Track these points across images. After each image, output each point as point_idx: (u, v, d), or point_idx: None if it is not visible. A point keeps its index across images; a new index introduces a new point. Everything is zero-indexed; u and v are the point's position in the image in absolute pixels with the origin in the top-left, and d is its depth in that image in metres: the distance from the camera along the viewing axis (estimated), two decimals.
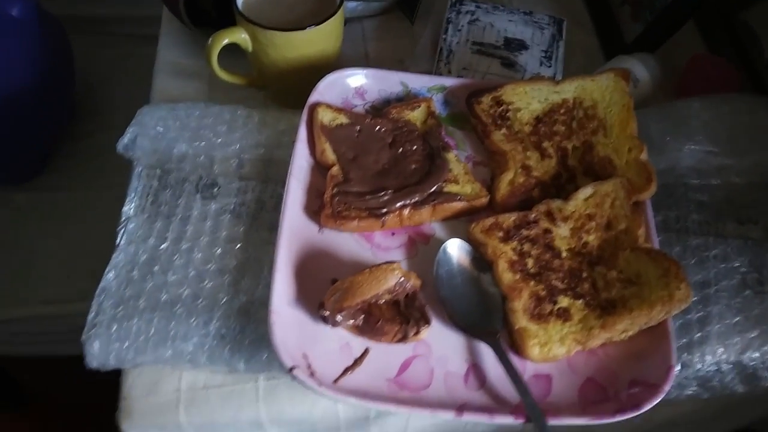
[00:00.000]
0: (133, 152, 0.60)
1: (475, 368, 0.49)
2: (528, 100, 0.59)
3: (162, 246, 0.54)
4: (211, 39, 0.60)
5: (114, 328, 0.51)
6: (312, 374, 0.45)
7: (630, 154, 0.55)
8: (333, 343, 0.49)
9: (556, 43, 0.73)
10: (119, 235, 0.56)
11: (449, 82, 0.62)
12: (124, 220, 0.56)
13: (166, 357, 0.50)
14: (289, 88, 0.67)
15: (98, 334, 0.51)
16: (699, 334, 0.51)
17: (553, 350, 0.48)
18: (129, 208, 0.57)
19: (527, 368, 0.49)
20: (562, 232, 0.53)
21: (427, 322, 0.48)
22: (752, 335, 0.50)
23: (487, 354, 0.49)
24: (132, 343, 0.50)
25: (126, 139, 0.60)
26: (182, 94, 0.70)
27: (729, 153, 0.59)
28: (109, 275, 0.53)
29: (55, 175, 1.03)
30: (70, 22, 1.11)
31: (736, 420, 0.66)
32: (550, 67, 0.71)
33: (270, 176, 0.59)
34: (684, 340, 0.51)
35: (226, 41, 0.61)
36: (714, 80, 0.69)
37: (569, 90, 0.59)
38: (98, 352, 0.50)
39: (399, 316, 0.48)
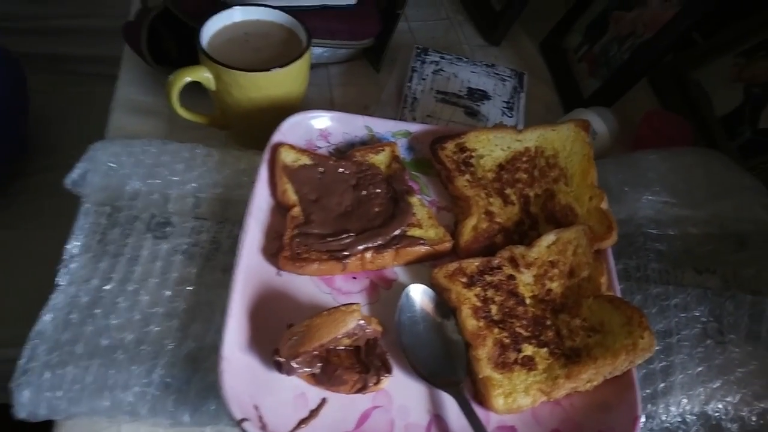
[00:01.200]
0: (81, 188, 0.57)
1: (438, 420, 0.47)
2: (491, 147, 0.60)
3: (106, 287, 0.51)
4: (172, 76, 0.59)
5: (47, 375, 0.47)
6: (263, 427, 0.42)
7: (591, 203, 0.56)
8: (287, 392, 0.46)
9: (517, 94, 0.74)
10: (60, 275, 0.52)
11: (413, 127, 0.62)
12: (67, 259, 0.53)
13: (104, 408, 0.46)
14: (251, 129, 0.66)
15: (29, 382, 0.46)
16: (663, 384, 0.50)
17: (518, 400, 0.46)
18: (73, 246, 0.53)
19: (491, 420, 0.47)
20: (525, 279, 0.52)
21: (388, 371, 0.46)
22: (715, 385, 0.50)
23: (450, 405, 0.47)
24: (66, 391, 0.46)
25: (75, 174, 0.57)
26: (139, 131, 0.68)
27: (685, 204, 0.61)
28: (46, 318, 0.49)
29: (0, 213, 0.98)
30: (29, 59, 1.09)
31: None
32: (511, 117, 0.72)
33: (227, 216, 0.57)
34: (648, 390, 0.50)
35: (188, 79, 0.60)
36: (668, 135, 0.72)
37: (531, 138, 0.60)
38: (28, 401, 0.46)
39: (358, 365, 0.46)
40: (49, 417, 0.46)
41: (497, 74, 0.76)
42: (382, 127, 0.62)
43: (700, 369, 0.51)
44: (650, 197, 0.61)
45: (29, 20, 1.22)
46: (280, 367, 0.45)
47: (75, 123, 1.13)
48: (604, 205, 0.55)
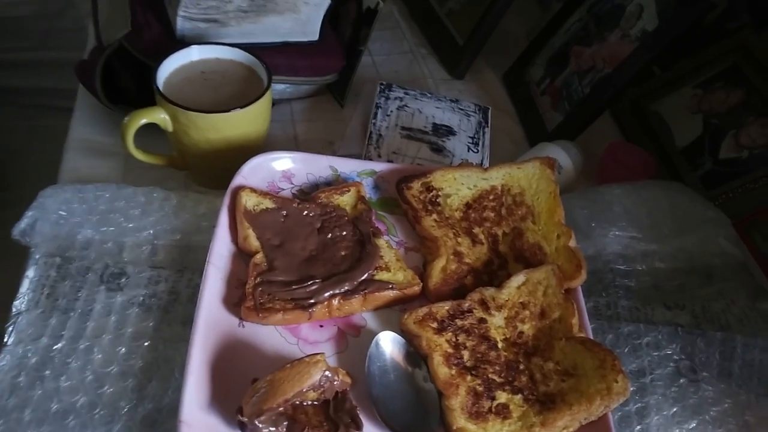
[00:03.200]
0: (31, 239, 0.54)
1: None
2: (457, 186, 0.59)
3: (56, 346, 0.48)
4: (127, 118, 0.57)
5: None
6: None
7: (559, 241, 0.55)
8: None
9: (482, 129, 0.74)
10: (7, 334, 0.49)
11: (379, 166, 0.61)
12: (14, 316, 0.50)
13: None
14: (212, 170, 0.64)
15: None
16: (639, 427, 0.49)
17: None
18: (21, 301, 0.50)
19: None
20: (496, 322, 0.51)
21: (359, 427, 0.44)
22: (691, 426, 0.49)
23: None
24: None
25: (23, 224, 0.54)
26: (94, 173, 0.66)
27: (652, 239, 0.61)
28: None
29: None
30: None
31: None
32: (477, 152, 0.72)
33: (186, 264, 0.54)
34: None
35: (143, 121, 0.57)
36: (631, 167, 0.72)
37: (497, 177, 0.60)
38: None
39: (327, 422, 0.44)
40: None
41: (462, 109, 0.76)
42: (347, 166, 0.61)
43: (675, 409, 0.50)
44: (617, 232, 0.61)
45: None
46: (243, 428, 0.42)
47: (32, 159, 1.09)
48: (573, 243, 0.55)
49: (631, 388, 0.51)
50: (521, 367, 0.49)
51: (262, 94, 0.59)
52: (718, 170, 0.72)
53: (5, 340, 0.48)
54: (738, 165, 0.70)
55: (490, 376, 0.48)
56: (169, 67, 0.61)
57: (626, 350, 0.53)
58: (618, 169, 0.73)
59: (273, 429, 0.43)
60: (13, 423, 0.44)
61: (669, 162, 0.76)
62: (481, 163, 0.71)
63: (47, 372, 0.47)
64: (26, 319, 0.49)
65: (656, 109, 0.79)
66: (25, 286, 0.51)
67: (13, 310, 0.50)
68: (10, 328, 0.49)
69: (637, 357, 0.53)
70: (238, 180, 0.56)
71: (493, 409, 0.47)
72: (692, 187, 0.70)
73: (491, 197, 0.59)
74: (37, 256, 0.53)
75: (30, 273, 0.52)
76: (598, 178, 0.74)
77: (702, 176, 0.73)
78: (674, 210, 0.63)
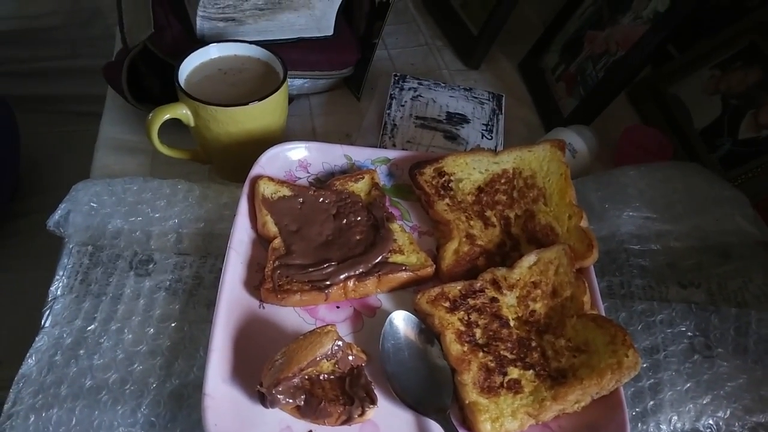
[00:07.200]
0: (64, 229, 0.57)
1: None
2: (469, 170, 0.60)
3: (89, 327, 0.51)
4: (151, 114, 0.60)
5: (32, 419, 0.46)
6: None
7: (570, 222, 0.56)
8: (273, 427, 0.45)
9: (496, 116, 0.75)
10: (44, 317, 0.52)
11: (392, 154, 0.63)
12: (51, 300, 0.53)
13: None
14: (233, 163, 0.66)
15: (14, 426, 0.46)
16: (652, 402, 0.50)
17: (506, 425, 0.46)
18: (56, 287, 0.54)
19: None
20: (508, 301, 0.52)
21: (373, 401, 0.45)
22: (705, 401, 0.49)
23: None
24: None
25: (57, 215, 0.57)
26: (124, 169, 0.69)
27: (666, 219, 0.61)
28: (30, 360, 0.49)
29: None
30: (17, 100, 1.10)
31: None
32: (491, 139, 0.73)
33: (210, 251, 0.57)
34: (637, 409, 0.50)
35: (167, 117, 0.60)
36: (648, 149, 0.72)
37: (508, 160, 0.61)
38: None
39: (343, 396, 0.46)
40: None
41: (475, 97, 0.77)
42: (361, 155, 0.62)
43: (689, 385, 0.50)
44: (631, 213, 0.61)
45: (15, 63, 1.24)
46: (263, 400, 0.44)
47: (65, 162, 1.14)
48: (584, 224, 0.55)
49: (644, 365, 0.51)
50: (533, 344, 0.50)
51: (279, 87, 0.61)
52: (738, 151, 0.71)
53: (42, 322, 0.51)
54: (757, 145, 0.69)
55: (501, 352, 0.50)
56: (189, 66, 0.63)
57: (639, 327, 0.54)
58: (635, 152, 0.73)
59: (291, 400, 0.45)
60: (50, 398, 0.47)
61: (687, 144, 0.75)
62: (495, 149, 0.71)
63: (81, 351, 0.50)
64: (61, 303, 0.52)
65: (674, 92, 0.79)
66: (59, 273, 0.54)
67: (49, 295, 0.53)
68: (47, 312, 0.52)
69: (651, 334, 0.53)
70: (257, 170, 0.58)
71: (505, 384, 0.48)
72: (711, 168, 0.70)
73: (503, 180, 0.60)
74: (71, 246, 0.56)
75: (64, 261, 0.55)
76: (615, 162, 0.75)
77: (721, 157, 0.72)
78: (690, 190, 0.63)
